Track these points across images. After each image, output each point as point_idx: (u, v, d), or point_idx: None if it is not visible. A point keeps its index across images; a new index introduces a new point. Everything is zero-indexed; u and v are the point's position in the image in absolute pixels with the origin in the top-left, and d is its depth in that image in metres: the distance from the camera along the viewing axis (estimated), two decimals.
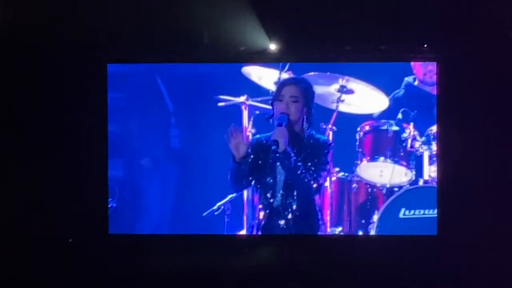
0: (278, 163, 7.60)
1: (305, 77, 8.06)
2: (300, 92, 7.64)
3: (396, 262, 8.04)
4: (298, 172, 7.49)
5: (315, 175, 7.54)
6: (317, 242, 8.23)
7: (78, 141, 8.34)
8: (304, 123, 7.59)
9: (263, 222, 7.75)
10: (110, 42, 8.26)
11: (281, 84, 7.72)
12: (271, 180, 7.66)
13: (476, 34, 7.95)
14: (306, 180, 7.49)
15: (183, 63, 8.41)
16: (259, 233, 7.76)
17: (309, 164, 7.54)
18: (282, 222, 7.68)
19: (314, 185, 7.55)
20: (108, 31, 8.18)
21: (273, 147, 7.44)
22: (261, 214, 7.71)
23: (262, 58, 8.30)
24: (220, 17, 8.12)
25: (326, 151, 7.59)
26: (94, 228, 8.35)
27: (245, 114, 8.25)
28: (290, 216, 7.68)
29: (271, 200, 7.66)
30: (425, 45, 8.15)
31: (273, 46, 8.25)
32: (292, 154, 7.48)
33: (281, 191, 7.63)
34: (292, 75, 8.21)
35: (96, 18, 8.13)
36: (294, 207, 7.66)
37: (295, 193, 7.63)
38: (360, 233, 8.27)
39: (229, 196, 8.07)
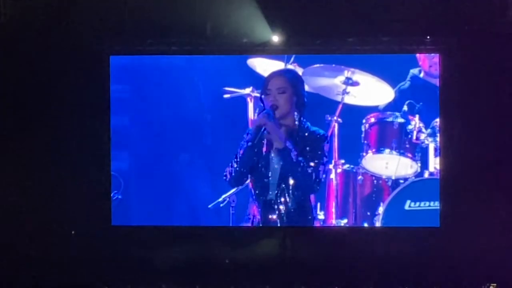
0: (276, 159, 7.62)
1: (291, 69, 8.08)
2: (286, 82, 7.65)
3: (400, 253, 8.07)
4: (299, 168, 7.54)
5: (313, 170, 7.57)
6: (323, 234, 8.27)
7: (82, 134, 8.36)
8: (296, 113, 7.63)
9: (258, 217, 7.81)
10: (113, 35, 8.27)
11: (267, 78, 7.74)
12: (267, 174, 7.66)
13: (478, 26, 7.94)
14: (304, 175, 7.53)
15: (185, 55, 8.42)
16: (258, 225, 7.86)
17: (307, 158, 7.57)
18: (274, 216, 7.74)
19: (314, 180, 7.58)
20: (111, 24, 8.18)
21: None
22: (256, 208, 7.78)
23: (267, 50, 8.29)
24: (224, 9, 8.12)
25: (323, 144, 7.62)
26: (97, 220, 8.38)
27: (251, 106, 8.24)
28: (284, 210, 7.72)
29: (267, 195, 7.70)
30: (428, 37, 8.16)
31: (277, 38, 8.24)
32: (293, 150, 7.52)
33: (276, 186, 7.65)
34: (297, 67, 8.24)
35: (98, 11, 8.14)
36: (289, 202, 7.70)
37: (291, 188, 7.65)
38: (366, 225, 8.27)
39: (234, 188, 8.05)
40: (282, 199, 7.69)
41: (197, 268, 8.20)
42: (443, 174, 8.14)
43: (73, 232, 8.41)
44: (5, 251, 8.21)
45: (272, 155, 7.65)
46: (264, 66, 8.31)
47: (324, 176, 7.71)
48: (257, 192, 7.74)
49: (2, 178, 8.32)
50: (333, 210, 8.22)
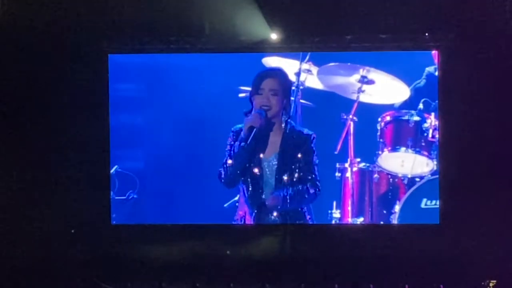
0: (274, 161, 7.69)
1: (281, 68, 8.05)
2: (279, 84, 7.70)
3: (400, 250, 8.06)
4: (296, 174, 7.61)
5: (303, 169, 7.65)
6: (322, 232, 8.27)
7: (81, 133, 8.33)
8: (283, 115, 7.67)
9: (249, 218, 7.87)
10: (111, 33, 8.28)
11: (259, 77, 7.75)
12: (263, 176, 7.74)
13: (477, 23, 7.92)
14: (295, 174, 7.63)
15: (185, 53, 8.43)
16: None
17: (299, 160, 7.63)
18: (272, 216, 7.82)
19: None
20: (109, 23, 8.18)
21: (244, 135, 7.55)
22: (247, 209, 7.85)
23: (265, 48, 8.27)
24: (223, 7, 8.07)
25: (310, 144, 7.67)
26: (97, 219, 8.40)
27: None
28: (279, 212, 7.80)
29: (261, 197, 7.77)
30: (426, 34, 8.15)
31: (275, 36, 8.22)
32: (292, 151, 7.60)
33: (273, 188, 7.74)
34: (312, 66, 8.23)
35: (97, 9, 8.13)
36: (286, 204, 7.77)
37: (288, 191, 7.72)
38: (382, 223, 8.27)
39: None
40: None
41: (197, 266, 8.23)
42: (442, 171, 8.14)
43: (72, 231, 8.44)
44: (5, 250, 8.23)
45: (267, 156, 7.72)
46: (279, 64, 8.25)
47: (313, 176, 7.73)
48: (250, 193, 7.80)
49: (1, 177, 8.33)
50: (349, 208, 8.22)
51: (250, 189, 7.78)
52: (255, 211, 7.82)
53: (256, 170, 7.73)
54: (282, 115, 7.69)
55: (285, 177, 7.70)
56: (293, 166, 7.63)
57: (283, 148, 7.66)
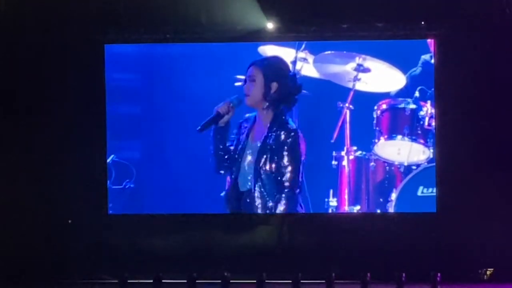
0: (253, 150, 7.79)
1: (276, 55, 8.11)
2: (258, 71, 7.77)
3: (397, 238, 8.09)
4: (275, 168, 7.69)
5: (285, 161, 7.71)
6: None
7: (78, 124, 8.37)
8: (267, 104, 7.72)
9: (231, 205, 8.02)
10: (108, 24, 8.29)
11: (248, 66, 7.88)
12: (244, 165, 7.85)
13: (473, 11, 7.93)
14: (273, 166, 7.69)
15: (181, 43, 8.45)
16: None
17: (279, 150, 7.70)
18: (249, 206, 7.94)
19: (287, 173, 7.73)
20: (106, 13, 8.19)
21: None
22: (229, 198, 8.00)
23: (261, 37, 8.28)
24: None
25: (292, 136, 7.73)
26: (94, 209, 8.42)
27: None
28: (258, 201, 7.90)
29: (240, 186, 7.87)
30: (422, 22, 8.15)
31: (272, 25, 8.23)
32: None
33: (252, 177, 7.82)
34: (308, 54, 8.24)
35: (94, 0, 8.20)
36: (264, 193, 7.86)
37: (267, 180, 7.81)
38: (378, 211, 8.27)
39: None
40: (257, 190, 7.87)
41: (194, 255, 8.24)
42: (439, 159, 8.15)
43: (69, 221, 8.46)
44: (3, 239, 8.24)
45: (251, 143, 7.83)
46: (275, 53, 8.27)
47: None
48: (232, 181, 7.92)
49: None
50: (346, 197, 8.23)
51: (232, 176, 7.89)
52: (229, 199, 7.99)
53: (236, 157, 7.83)
54: (266, 103, 7.73)
55: (266, 167, 7.78)
56: (275, 158, 7.68)
57: (266, 136, 7.70)
